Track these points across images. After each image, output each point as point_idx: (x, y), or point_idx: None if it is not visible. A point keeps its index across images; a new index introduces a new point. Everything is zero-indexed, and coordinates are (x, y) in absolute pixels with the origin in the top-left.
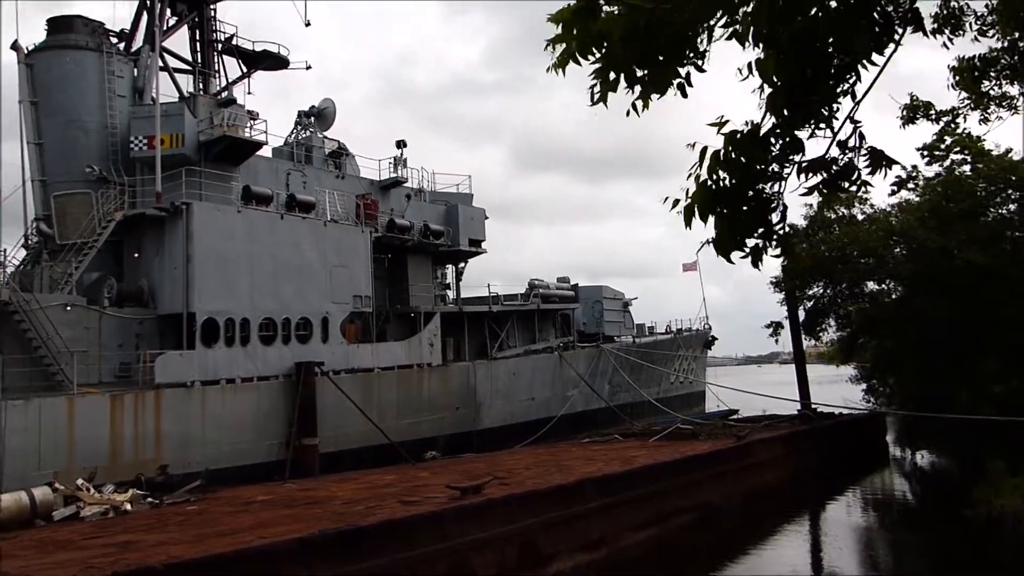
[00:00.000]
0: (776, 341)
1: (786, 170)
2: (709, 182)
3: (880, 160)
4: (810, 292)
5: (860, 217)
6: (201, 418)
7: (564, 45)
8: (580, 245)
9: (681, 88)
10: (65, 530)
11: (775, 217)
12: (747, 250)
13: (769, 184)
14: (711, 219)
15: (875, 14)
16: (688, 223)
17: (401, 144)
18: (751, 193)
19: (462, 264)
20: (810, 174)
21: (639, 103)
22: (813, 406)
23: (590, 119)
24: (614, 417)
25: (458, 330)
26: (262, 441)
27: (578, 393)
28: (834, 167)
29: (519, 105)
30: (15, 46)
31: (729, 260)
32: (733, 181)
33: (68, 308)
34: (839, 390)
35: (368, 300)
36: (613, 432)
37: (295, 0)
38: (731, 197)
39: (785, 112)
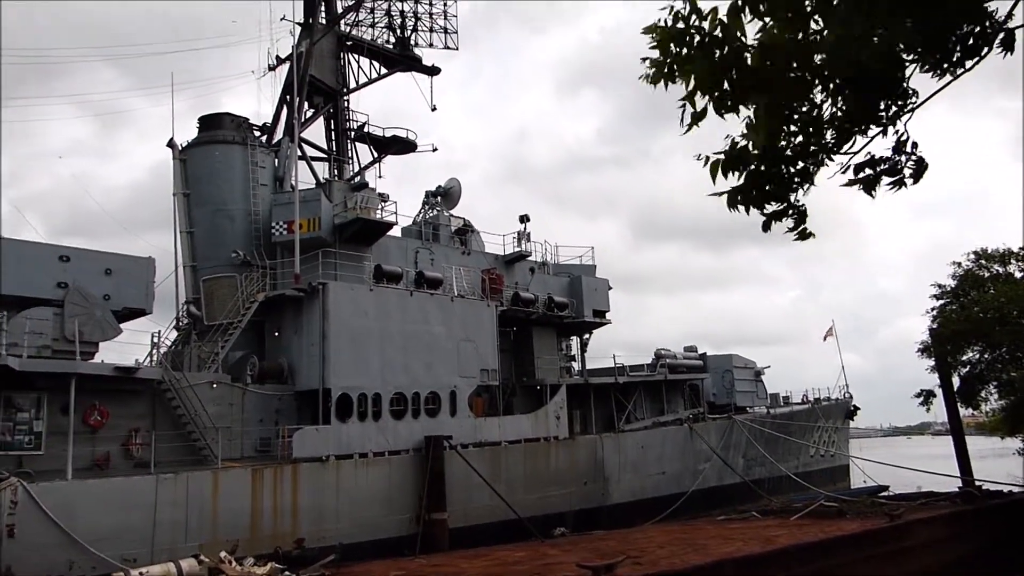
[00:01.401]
0: (927, 410)
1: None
2: (741, 144)
3: (923, 170)
4: (964, 357)
5: (1019, 275)
6: (335, 492)
7: (657, 60)
8: (706, 313)
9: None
10: None
11: (800, 194)
12: (765, 211)
13: (804, 164)
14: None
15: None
16: (713, 175)
17: (524, 219)
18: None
19: (587, 335)
20: (863, 170)
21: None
22: (977, 483)
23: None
24: (750, 493)
25: (584, 402)
26: (393, 515)
27: (710, 467)
28: (882, 166)
29: (634, 177)
30: (171, 143)
31: (745, 210)
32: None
33: (214, 386)
34: (1006, 465)
35: (495, 373)
36: (750, 509)
37: (421, 75)
38: (755, 166)
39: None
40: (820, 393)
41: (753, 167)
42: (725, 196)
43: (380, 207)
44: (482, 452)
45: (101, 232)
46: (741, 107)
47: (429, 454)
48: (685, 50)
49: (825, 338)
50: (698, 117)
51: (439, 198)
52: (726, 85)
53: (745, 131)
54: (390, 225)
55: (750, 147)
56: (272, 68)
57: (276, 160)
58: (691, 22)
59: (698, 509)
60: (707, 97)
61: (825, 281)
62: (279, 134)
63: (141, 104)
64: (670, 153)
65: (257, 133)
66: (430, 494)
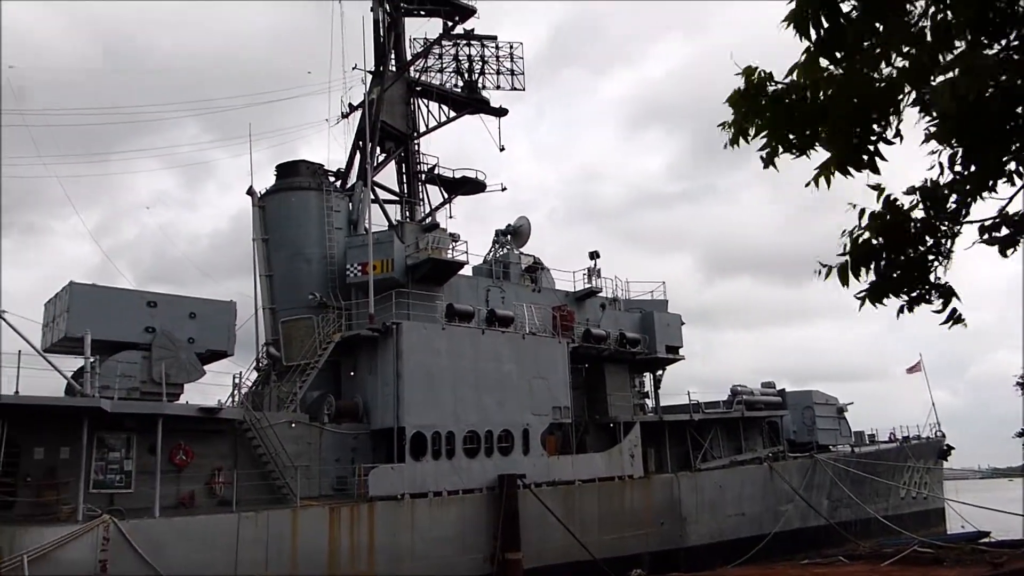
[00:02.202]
0: None
1: (955, 227)
2: (864, 238)
3: None
4: None
5: None
6: (411, 531)
7: (734, 123)
8: (782, 348)
9: (871, 164)
10: None
11: (940, 271)
12: (904, 298)
13: (934, 239)
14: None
15: None
16: (844, 281)
17: (594, 255)
18: (903, 257)
19: (660, 371)
20: (991, 232)
21: (820, 179)
22: None
23: (785, 221)
24: (835, 536)
25: (659, 440)
26: (467, 555)
27: (793, 508)
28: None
29: (704, 212)
30: (250, 191)
31: (879, 304)
32: (885, 240)
33: (293, 425)
34: None
35: (567, 411)
36: (837, 554)
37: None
38: (884, 256)
39: (968, 169)
40: (909, 431)
41: (884, 258)
42: (865, 296)
43: (451, 247)
44: (556, 491)
45: (185, 278)
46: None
47: (503, 493)
48: (757, 105)
49: (911, 371)
50: (772, 155)
51: (509, 236)
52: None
53: (816, 171)
54: (461, 264)
55: (872, 241)
56: (345, 115)
57: (350, 204)
58: (764, 84)
59: (780, 553)
60: (779, 145)
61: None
62: (352, 179)
63: (221, 155)
64: (741, 186)
65: (332, 179)
66: (504, 533)
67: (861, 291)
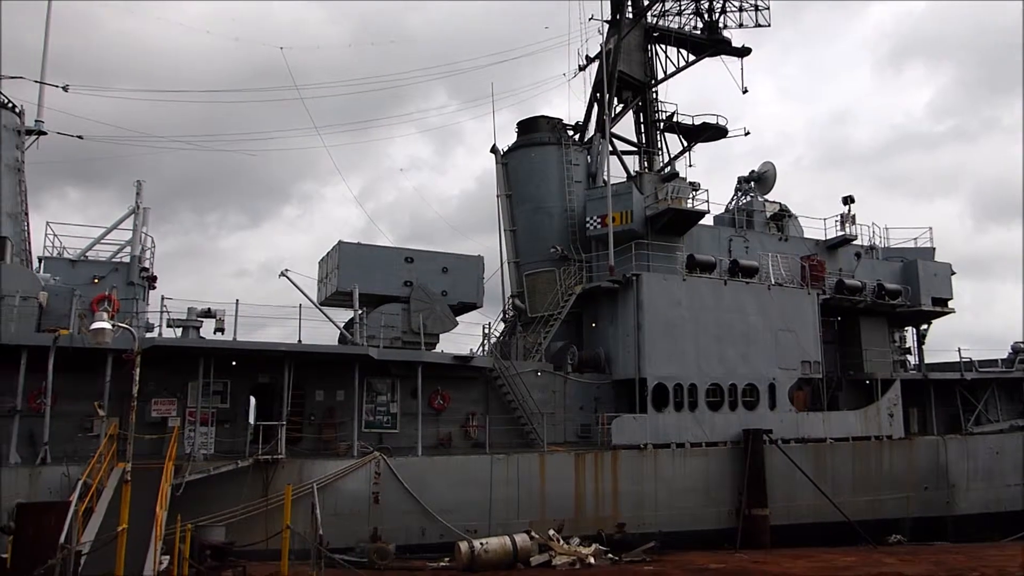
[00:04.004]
0: None
1: None
2: None
3: None
4: None
5: None
6: (654, 480)
7: None
8: None
9: None
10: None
11: None
12: None
13: None
14: None
15: None
16: None
17: (848, 200)
18: None
19: (924, 326)
20: None
21: None
22: None
23: None
24: None
25: (922, 400)
26: (711, 507)
27: None
28: None
29: (978, 152)
30: (493, 150)
31: None
32: None
33: (539, 374)
34: None
35: (817, 366)
36: None
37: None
38: None
39: None
40: None
41: None
42: None
43: (691, 196)
44: (805, 449)
45: (438, 236)
46: None
47: (748, 447)
48: None
49: None
50: None
51: (752, 184)
52: None
53: None
54: (702, 214)
55: None
56: (582, 68)
57: (588, 157)
58: None
59: None
60: None
61: None
62: (591, 131)
63: (466, 118)
64: None
65: (570, 132)
66: (750, 489)
67: None
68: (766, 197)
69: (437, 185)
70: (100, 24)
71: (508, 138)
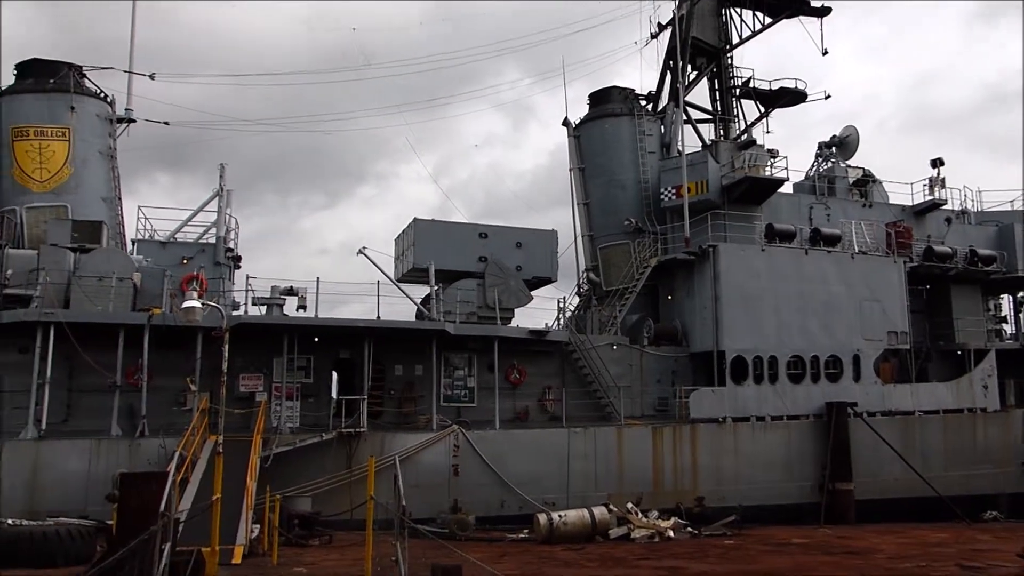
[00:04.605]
0: None
1: None
2: None
3: None
4: None
5: None
6: (733, 454)
7: None
8: None
9: None
10: (620, 548)
11: None
12: None
13: None
14: None
15: None
16: None
17: (937, 163)
18: None
19: (1021, 293)
20: None
21: None
22: None
23: None
24: None
25: (1020, 371)
26: (793, 482)
27: None
28: None
29: None
30: (566, 123)
31: None
32: None
33: (615, 347)
34: None
35: (905, 336)
36: None
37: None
38: None
39: None
40: None
41: None
42: None
43: (769, 163)
44: (892, 422)
45: (511, 211)
46: None
47: (832, 421)
48: None
49: None
50: None
51: (834, 149)
52: None
53: None
54: (781, 182)
55: None
56: (654, 36)
57: (662, 127)
58: None
59: None
60: None
61: None
62: (664, 100)
63: (538, 91)
64: None
65: (643, 102)
66: (834, 463)
67: None
68: (848, 162)
69: (510, 160)
70: (182, 13)
71: (580, 111)
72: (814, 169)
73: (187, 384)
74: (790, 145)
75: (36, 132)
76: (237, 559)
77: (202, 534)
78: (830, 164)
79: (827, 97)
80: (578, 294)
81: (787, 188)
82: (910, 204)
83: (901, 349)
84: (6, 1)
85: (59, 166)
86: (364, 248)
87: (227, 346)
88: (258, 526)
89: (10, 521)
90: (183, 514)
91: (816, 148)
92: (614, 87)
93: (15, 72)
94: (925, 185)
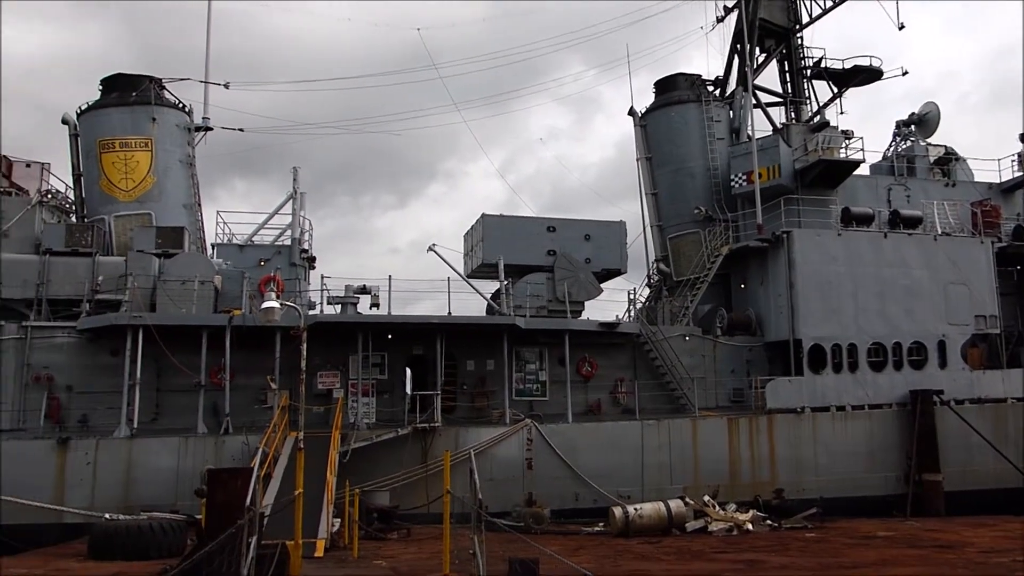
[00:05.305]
0: None
1: None
2: None
3: None
4: None
5: None
6: (812, 445)
7: None
8: None
9: None
10: (697, 542)
11: None
12: None
13: None
14: None
15: None
16: None
17: None
18: None
19: None
20: None
21: None
22: None
23: None
24: None
25: None
26: (876, 473)
27: None
28: None
29: None
30: (631, 112)
31: None
32: None
33: (687, 338)
34: None
35: (994, 320)
36: None
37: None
38: None
39: None
40: None
41: None
42: None
43: (844, 145)
44: (983, 409)
45: (579, 204)
46: None
47: (917, 409)
48: None
49: None
50: None
51: (913, 127)
52: None
53: None
54: (856, 163)
55: None
56: (720, 20)
57: (731, 112)
58: None
59: None
60: None
61: None
62: (732, 85)
63: (601, 82)
64: None
65: (710, 88)
66: (919, 453)
67: None
68: (929, 141)
69: (576, 153)
70: (253, 22)
71: (646, 100)
72: (892, 149)
73: (267, 382)
74: (865, 125)
75: (121, 144)
76: (319, 552)
77: (285, 528)
78: (909, 143)
79: (904, 74)
80: (648, 285)
81: (863, 170)
82: (997, 182)
83: (991, 334)
84: (94, 22)
85: (143, 175)
86: (434, 245)
87: (305, 345)
88: (338, 520)
89: (107, 516)
90: (267, 509)
91: (894, 127)
92: (680, 74)
93: (100, 88)
94: (1013, 161)
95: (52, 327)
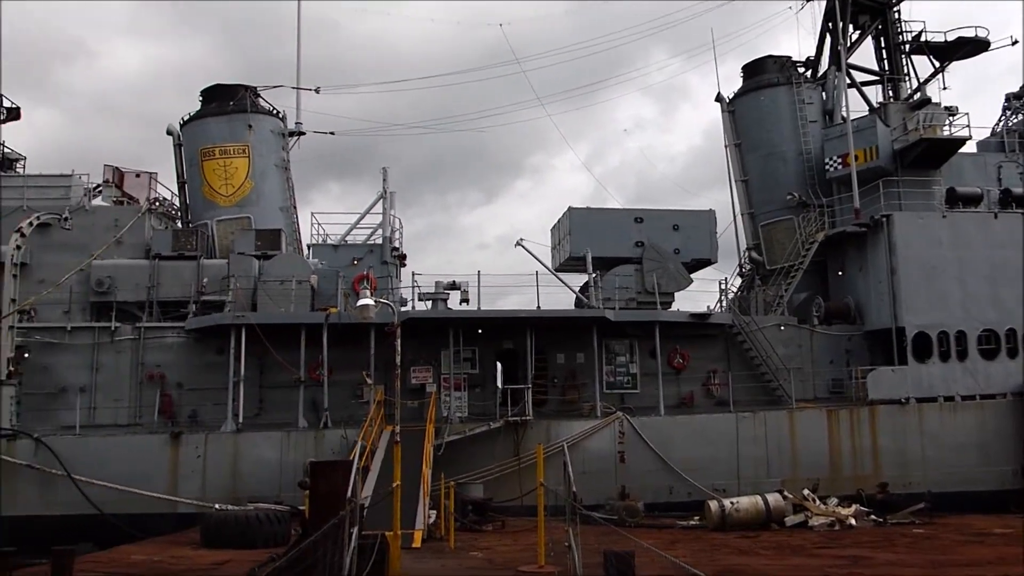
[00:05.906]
0: None
1: None
2: None
3: None
4: None
5: None
6: (919, 437)
7: None
8: None
9: None
10: (797, 536)
11: None
12: None
13: None
14: None
15: None
16: None
17: None
18: None
19: None
20: None
21: None
22: None
23: None
24: None
25: None
26: (988, 466)
27: None
28: None
29: None
30: (719, 98)
31: None
32: None
33: (782, 328)
34: None
35: None
36: None
37: None
38: None
39: None
40: None
41: None
42: None
43: (948, 122)
44: None
45: (666, 194)
46: None
47: None
48: None
49: None
50: None
51: None
52: None
53: None
54: (962, 141)
55: None
56: None
57: (823, 93)
58: None
59: None
60: None
61: None
62: (824, 65)
63: (687, 70)
64: None
65: (801, 69)
66: None
67: None
68: None
69: (663, 143)
70: (341, 27)
71: (734, 85)
72: (1001, 124)
73: (363, 378)
74: (972, 101)
75: (220, 151)
76: (417, 543)
77: (384, 519)
78: (1020, 117)
79: (1014, 43)
80: (740, 274)
81: (970, 147)
82: None
83: None
84: (197, 36)
85: (241, 180)
86: (522, 240)
87: (399, 340)
88: (434, 512)
89: (217, 506)
90: (367, 500)
91: (1003, 101)
92: (769, 56)
93: (200, 98)
94: None
95: (162, 327)
